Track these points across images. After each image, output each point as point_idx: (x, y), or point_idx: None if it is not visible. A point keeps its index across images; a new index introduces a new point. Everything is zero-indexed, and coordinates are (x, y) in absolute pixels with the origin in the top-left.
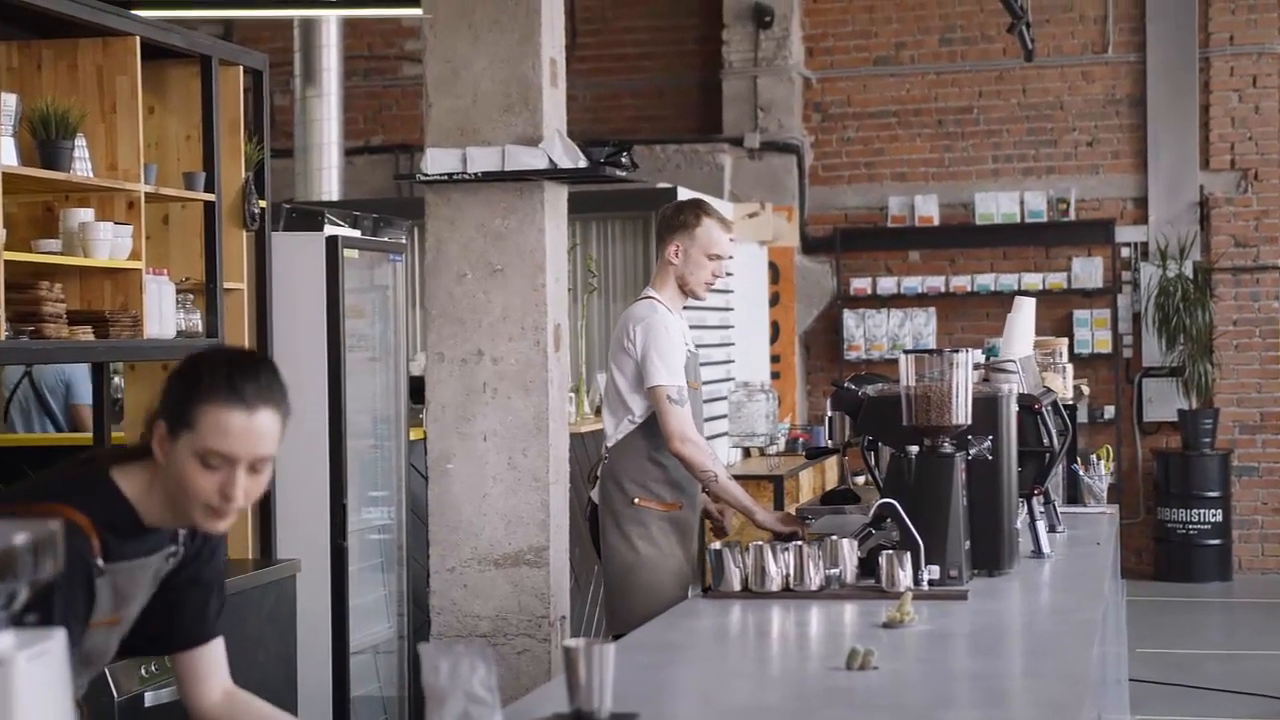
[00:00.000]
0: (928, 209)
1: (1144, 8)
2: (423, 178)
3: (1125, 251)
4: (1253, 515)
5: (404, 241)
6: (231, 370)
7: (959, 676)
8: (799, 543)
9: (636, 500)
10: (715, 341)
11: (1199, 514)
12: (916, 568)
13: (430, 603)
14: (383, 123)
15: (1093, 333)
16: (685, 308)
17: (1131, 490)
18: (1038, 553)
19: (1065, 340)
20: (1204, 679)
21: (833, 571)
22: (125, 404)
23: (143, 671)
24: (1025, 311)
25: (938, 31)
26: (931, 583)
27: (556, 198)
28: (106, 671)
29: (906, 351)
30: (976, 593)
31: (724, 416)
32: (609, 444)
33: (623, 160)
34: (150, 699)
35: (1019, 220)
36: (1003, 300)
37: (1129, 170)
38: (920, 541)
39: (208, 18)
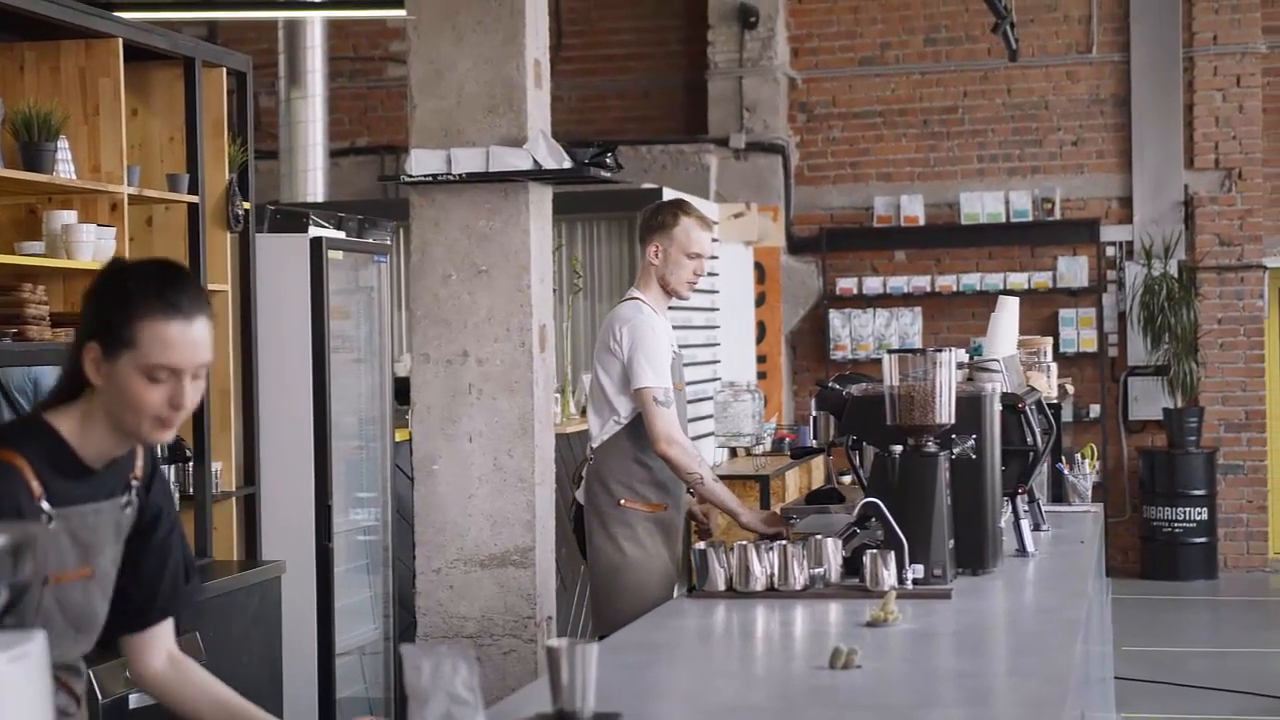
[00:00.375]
0: (913, 209)
1: (1128, 8)
2: (407, 179)
3: (1110, 250)
4: (1238, 513)
5: (389, 243)
6: (161, 283)
7: (943, 675)
8: (783, 542)
9: (622, 501)
10: (701, 341)
11: (1184, 512)
12: (901, 567)
13: (416, 604)
14: (367, 124)
15: (1078, 332)
16: (670, 308)
17: (1117, 489)
18: (1022, 551)
19: (1050, 339)
20: (1190, 676)
21: (817, 571)
22: None
23: (127, 674)
24: (1008, 311)
25: (922, 32)
26: (915, 582)
27: (541, 199)
28: (91, 675)
29: (890, 351)
30: (960, 592)
31: (710, 416)
32: (594, 445)
33: (608, 161)
34: (135, 700)
35: (1004, 220)
36: (988, 300)
37: (1114, 170)
38: (904, 541)
39: (191, 19)
